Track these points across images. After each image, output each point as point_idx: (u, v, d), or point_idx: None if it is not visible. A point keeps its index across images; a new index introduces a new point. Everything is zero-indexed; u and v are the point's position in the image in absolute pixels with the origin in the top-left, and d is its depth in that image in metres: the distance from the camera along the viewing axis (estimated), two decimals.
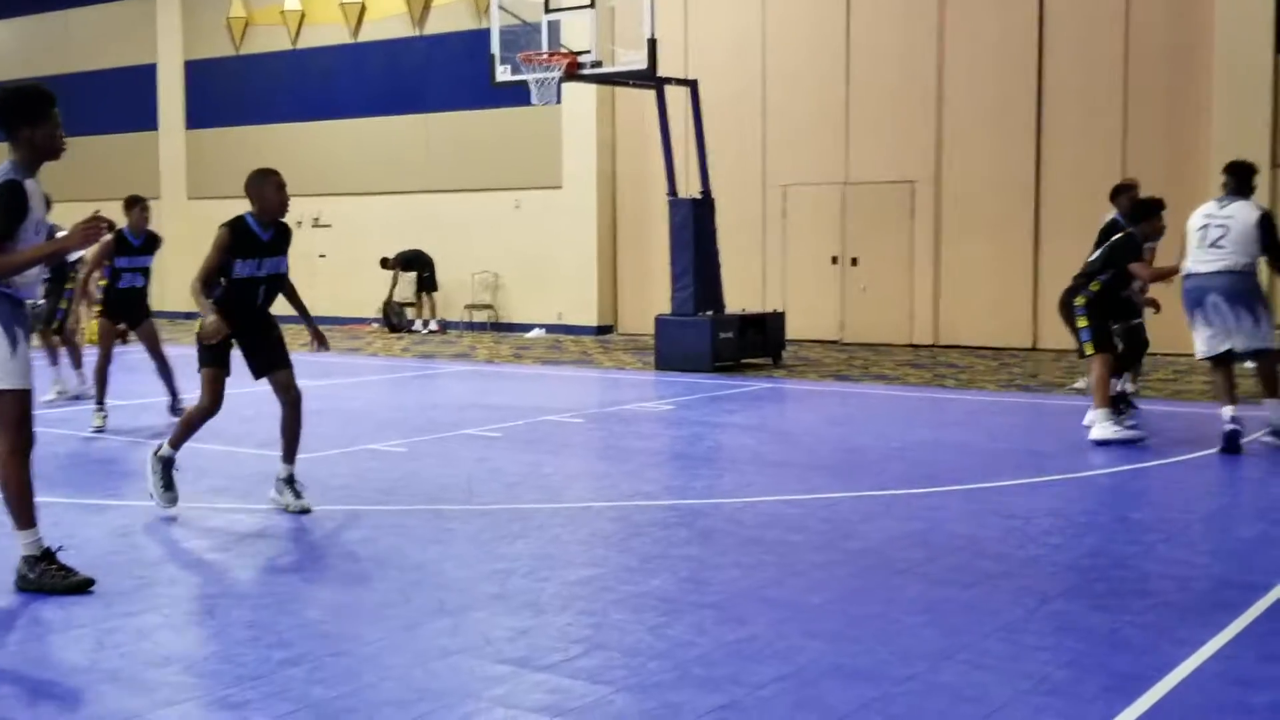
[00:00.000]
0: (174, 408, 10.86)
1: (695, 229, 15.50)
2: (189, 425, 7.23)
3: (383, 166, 22.92)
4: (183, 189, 25.75)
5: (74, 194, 20.44)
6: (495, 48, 16.40)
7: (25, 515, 5.55)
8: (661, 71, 15.98)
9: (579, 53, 15.79)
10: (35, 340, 7.20)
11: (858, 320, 18.84)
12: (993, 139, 17.73)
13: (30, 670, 4.71)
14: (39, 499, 5.68)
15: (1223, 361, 9.27)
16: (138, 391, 12.33)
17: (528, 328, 21.45)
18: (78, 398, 12.09)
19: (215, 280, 7.03)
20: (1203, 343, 9.32)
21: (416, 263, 21.81)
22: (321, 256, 23.24)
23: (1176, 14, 16.54)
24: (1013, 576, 5.83)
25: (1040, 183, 17.50)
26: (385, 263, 21.93)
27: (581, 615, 5.25)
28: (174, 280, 21.95)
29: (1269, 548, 6.47)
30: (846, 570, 5.97)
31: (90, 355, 11.63)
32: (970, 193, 17.93)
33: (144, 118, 26.09)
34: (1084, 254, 10.47)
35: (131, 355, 13.58)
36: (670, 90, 16.14)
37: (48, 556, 5.59)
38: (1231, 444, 9.03)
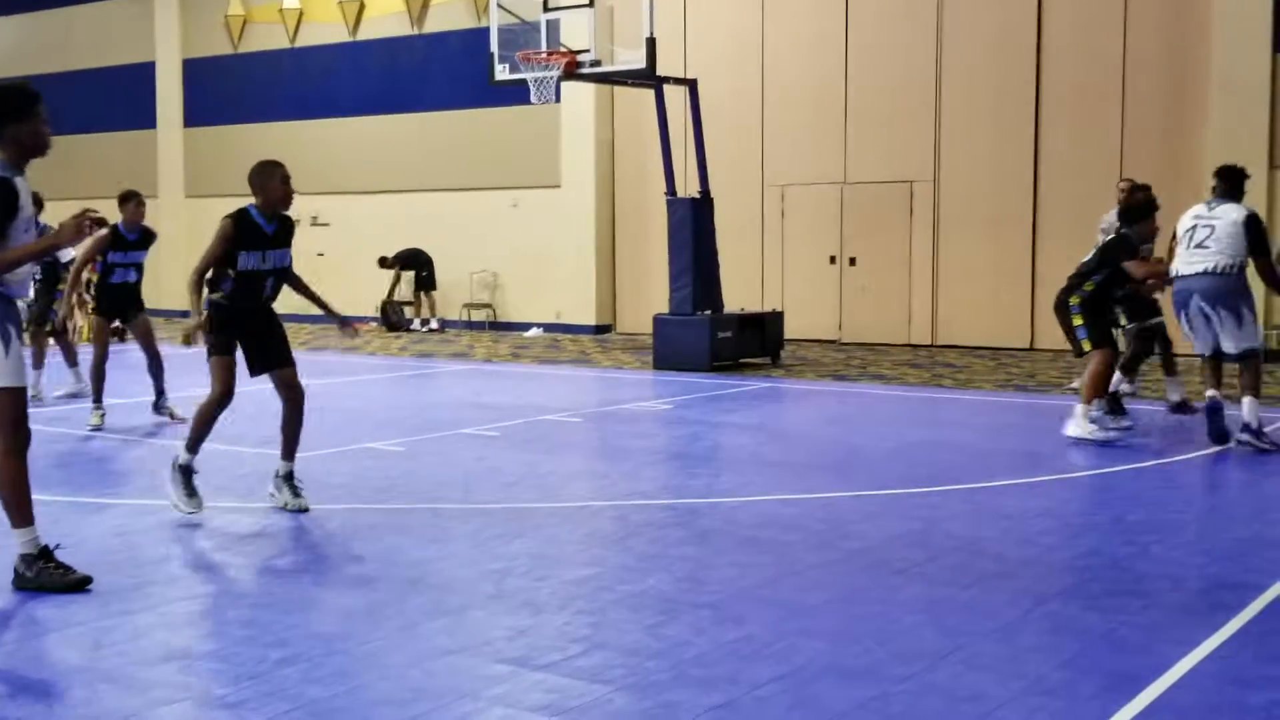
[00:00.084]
0: (158, 406, 10.83)
1: (694, 228, 15.48)
2: (203, 421, 7.13)
3: (381, 165, 22.89)
4: (180, 187, 25.71)
5: (71, 192, 20.47)
6: (494, 46, 16.39)
7: (22, 513, 5.56)
8: (660, 71, 15.97)
9: (578, 52, 15.77)
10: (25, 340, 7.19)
11: (856, 320, 18.83)
12: (991, 139, 17.73)
13: (27, 669, 4.71)
14: (36, 497, 5.68)
15: (1214, 358, 9.39)
16: (136, 390, 12.32)
17: (526, 327, 21.44)
18: (75, 395, 12.07)
19: (219, 273, 7.01)
20: (1194, 344, 9.49)
21: (415, 262, 21.79)
22: (320, 255, 23.21)
23: (1174, 15, 16.54)
24: (1010, 576, 5.84)
25: (1038, 183, 17.50)
26: (384, 262, 21.90)
27: (579, 615, 5.25)
28: (170, 279, 21.96)
29: (1265, 548, 6.47)
30: (844, 570, 5.97)
31: (85, 354, 11.62)
32: (968, 193, 17.93)
33: (142, 116, 26.05)
34: (1082, 254, 10.48)
35: (129, 354, 13.56)
36: (669, 89, 16.13)
37: (45, 555, 5.59)
38: (1214, 415, 9.13)
